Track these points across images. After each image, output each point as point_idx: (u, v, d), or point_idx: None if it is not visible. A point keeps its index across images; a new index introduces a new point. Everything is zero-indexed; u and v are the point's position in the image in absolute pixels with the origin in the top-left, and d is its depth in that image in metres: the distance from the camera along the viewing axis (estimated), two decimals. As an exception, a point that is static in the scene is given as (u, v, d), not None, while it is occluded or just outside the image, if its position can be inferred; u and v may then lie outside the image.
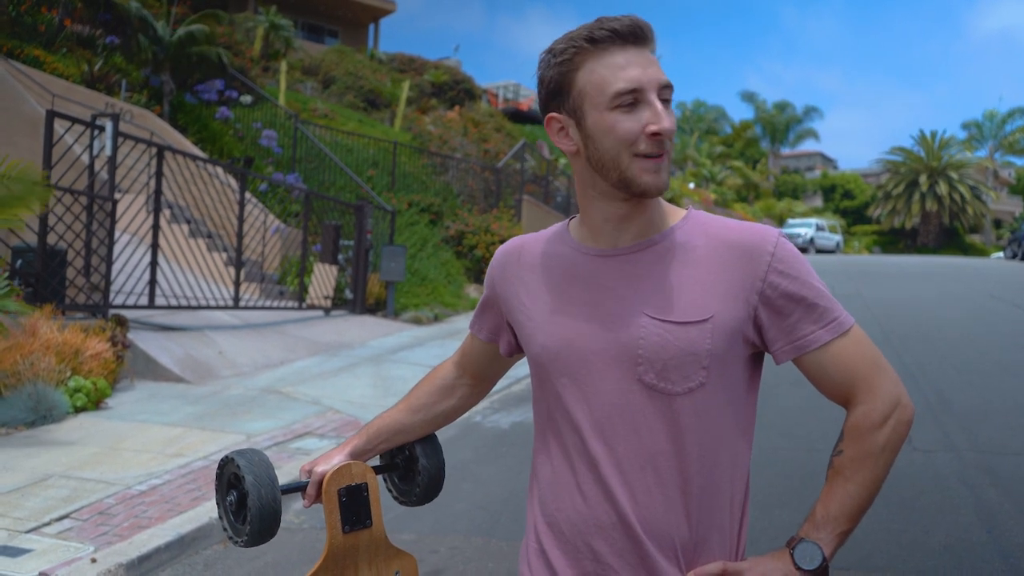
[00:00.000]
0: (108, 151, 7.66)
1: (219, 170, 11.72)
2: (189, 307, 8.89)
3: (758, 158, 58.40)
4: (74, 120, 7.39)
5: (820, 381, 1.34)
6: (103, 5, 16.19)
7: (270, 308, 10.46)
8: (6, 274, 6.49)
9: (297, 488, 1.52)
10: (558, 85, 1.30)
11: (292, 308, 10.96)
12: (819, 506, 1.29)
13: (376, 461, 1.68)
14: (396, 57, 30.15)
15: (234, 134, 15.44)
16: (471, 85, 30.04)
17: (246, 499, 1.41)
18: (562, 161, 23.01)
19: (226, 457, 1.47)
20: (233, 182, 11.89)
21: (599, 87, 1.26)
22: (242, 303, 9.95)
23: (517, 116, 33.13)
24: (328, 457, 1.55)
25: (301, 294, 11.27)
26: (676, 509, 1.30)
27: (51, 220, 7.22)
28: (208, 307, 9.21)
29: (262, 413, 6.69)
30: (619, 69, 1.25)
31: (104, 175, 8.13)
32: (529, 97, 37.88)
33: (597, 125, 1.28)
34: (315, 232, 12.85)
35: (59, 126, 7.89)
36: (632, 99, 1.26)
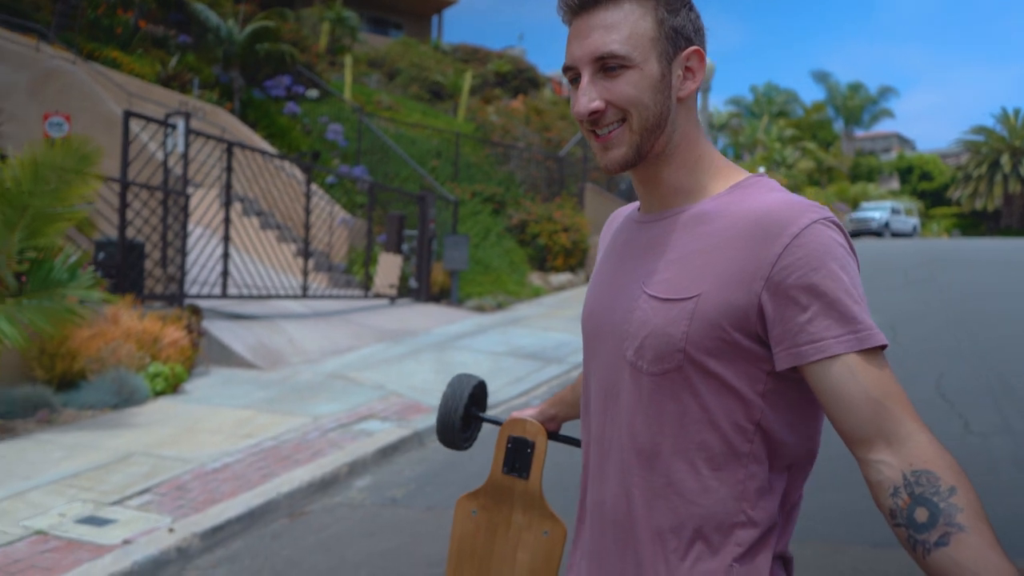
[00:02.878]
0: (180, 148, 8.02)
1: (287, 164, 12.08)
2: (260, 296, 9.24)
3: (831, 140, 57.04)
4: (148, 119, 7.76)
5: (830, 405, 1.10)
6: (175, 5, 16.77)
7: (337, 297, 10.78)
8: (91, 267, 6.88)
9: (494, 421, 1.72)
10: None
11: (358, 297, 11.27)
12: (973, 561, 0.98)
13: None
14: (460, 48, 30.36)
15: (302, 128, 15.86)
16: (534, 74, 30.09)
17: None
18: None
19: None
20: (301, 175, 12.25)
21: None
22: (310, 292, 10.28)
23: (581, 104, 33.03)
24: (527, 410, 1.67)
25: (367, 283, 11.58)
26: (649, 496, 1.21)
27: (129, 215, 7.60)
28: (278, 296, 9.55)
29: (328, 397, 6.96)
30: (568, 44, 1.22)
31: (177, 171, 8.50)
32: (593, 84, 37.76)
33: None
34: (380, 222, 13.15)
35: (135, 125, 8.29)
36: (573, 75, 1.22)
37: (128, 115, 7.70)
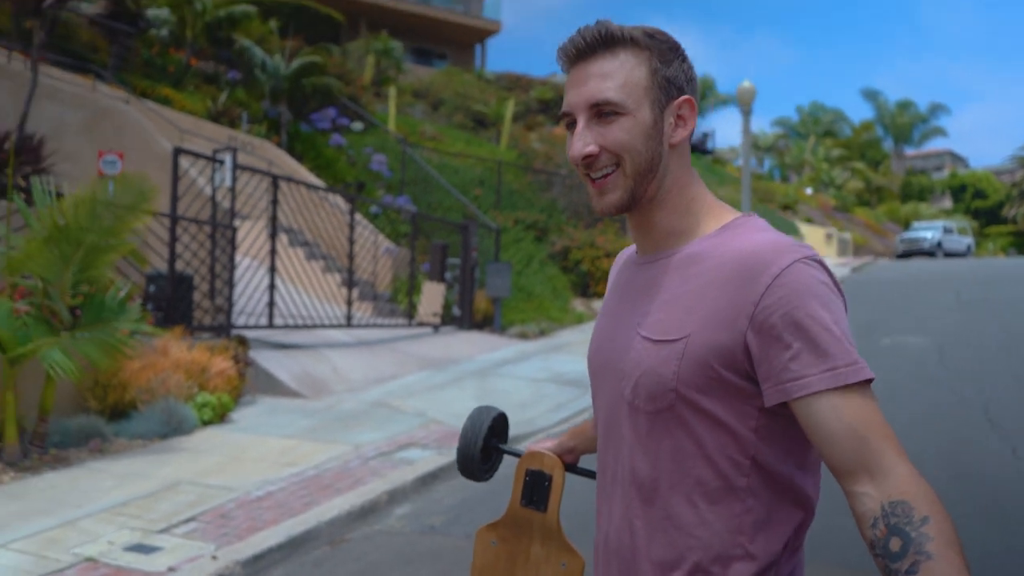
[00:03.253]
0: (228, 183, 8.25)
1: (332, 195, 12.32)
2: (305, 326, 9.42)
3: (880, 159, 56.23)
4: (197, 155, 8.01)
5: (815, 440, 1.13)
6: (225, 43, 17.26)
7: (381, 326, 10.92)
8: (140, 300, 7.09)
9: (514, 453, 1.74)
10: None
11: (402, 325, 11.41)
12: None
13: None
14: (503, 76, 30.72)
15: (347, 160, 16.16)
16: (578, 100, 30.24)
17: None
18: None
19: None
20: (345, 206, 12.47)
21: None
22: (354, 322, 10.44)
23: (624, 128, 33.12)
24: (544, 441, 1.68)
25: (411, 312, 11.72)
26: (649, 530, 1.25)
27: (179, 248, 7.83)
28: (323, 326, 9.72)
29: (371, 425, 7.06)
30: (566, 91, 1.28)
31: (225, 205, 8.74)
32: (636, 109, 37.84)
33: None
34: (424, 251, 13.31)
35: (184, 161, 8.55)
36: (569, 121, 1.27)
37: (177, 152, 7.95)
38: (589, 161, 1.24)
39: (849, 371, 1.11)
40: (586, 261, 15.50)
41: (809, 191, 40.31)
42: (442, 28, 33.02)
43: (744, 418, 1.19)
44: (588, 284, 15.52)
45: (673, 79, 1.27)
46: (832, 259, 29.19)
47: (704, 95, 46.24)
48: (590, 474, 1.68)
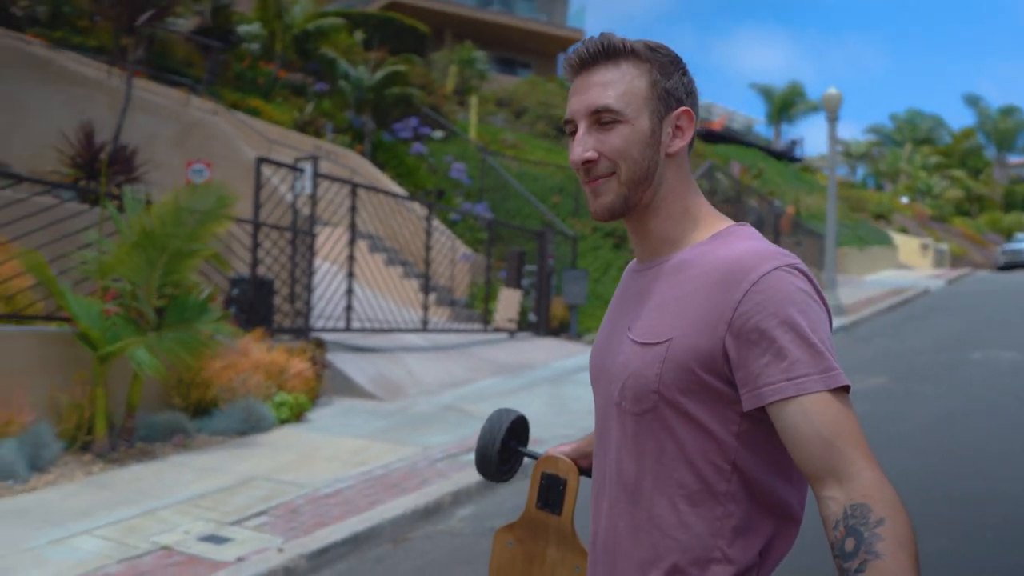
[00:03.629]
0: (308, 190, 8.51)
1: (413, 203, 12.56)
2: (382, 330, 9.62)
3: (981, 167, 54.00)
4: (279, 164, 8.29)
5: (787, 444, 1.14)
6: (313, 55, 17.78)
7: (457, 331, 11.07)
8: (223, 302, 7.38)
9: (531, 455, 1.78)
10: None
11: (478, 331, 11.53)
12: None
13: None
14: (586, 85, 30.71)
15: (428, 168, 16.43)
16: (661, 107, 30.04)
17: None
18: (755, 180, 22.57)
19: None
20: (424, 213, 12.69)
21: None
22: (431, 326, 10.61)
23: (708, 136, 32.78)
24: (560, 445, 1.72)
25: (486, 317, 11.84)
26: (633, 530, 1.28)
27: (260, 253, 8.11)
28: (399, 330, 9.91)
29: (441, 428, 7.17)
30: (569, 98, 1.33)
31: (305, 212, 9.01)
32: (722, 116, 37.37)
33: None
34: (501, 258, 13.43)
35: (267, 170, 8.87)
36: (572, 127, 1.32)
37: (260, 161, 8.25)
38: (588, 166, 1.29)
39: (823, 378, 1.13)
40: (665, 269, 15.37)
41: (904, 200, 39.01)
42: (526, 38, 33.25)
43: (726, 423, 1.21)
44: (667, 292, 15.37)
45: (672, 91, 1.31)
46: (927, 270, 28.21)
47: (793, 101, 45.31)
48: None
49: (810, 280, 1.21)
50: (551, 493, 1.66)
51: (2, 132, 9.67)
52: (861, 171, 49.74)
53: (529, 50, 34.32)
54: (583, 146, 1.28)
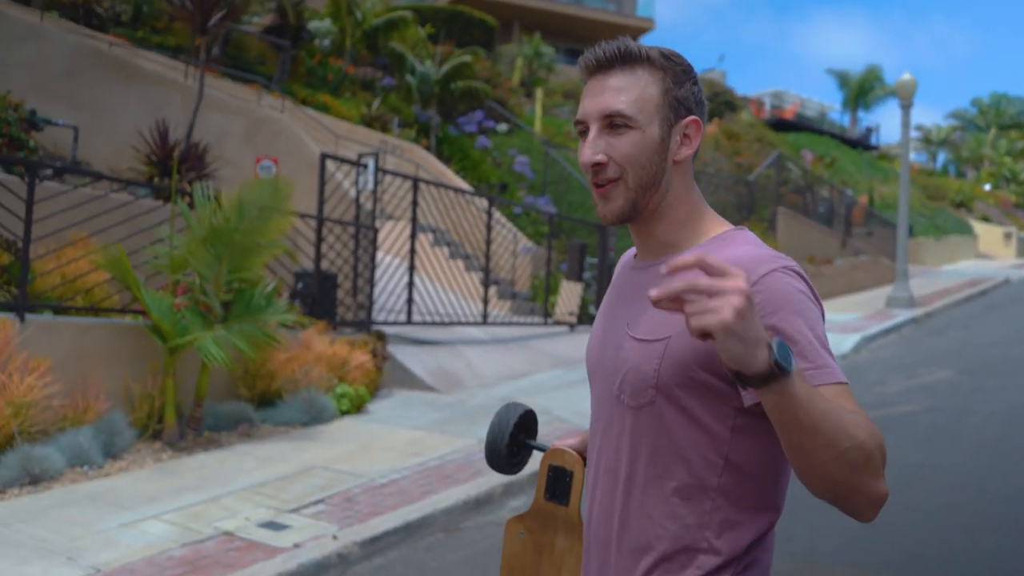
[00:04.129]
0: (370, 186, 8.71)
1: (476, 197, 12.70)
2: (442, 323, 9.78)
3: (1072, 153, 51.67)
4: (342, 160, 8.50)
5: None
6: (381, 50, 18.06)
7: (516, 324, 11.18)
8: (288, 295, 7.62)
9: (539, 447, 1.82)
10: None
11: (538, 324, 11.62)
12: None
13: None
14: (655, 75, 30.43)
15: (492, 161, 16.55)
16: (731, 97, 29.64)
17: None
18: (825, 170, 22.10)
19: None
20: (485, 206, 12.83)
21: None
22: (491, 319, 10.73)
23: (780, 125, 32.15)
24: (567, 438, 1.75)
25: (547, 310, 11.92)
26: (624, 520, 1.34)
27: (324, 248, 8.34)
28: (459, 323, 10.06)
29: (496, 420, 7.28)
30: (582, 100, 1.36)
31: (368, 206, 9.21)
32: (794, 103, 36.60)
33: None
34: (562, 251, 13.48)
35: (331, 166, 9.09)
36: (583, 128, 1.35)
37: (324, 157, 8.47)
38: (597, 169, 1.32)
39: (818, 373, 1.18)
40: (730, 261, 15.21)
41: (987, 187, 37.61)
42: (595, 28, 33.09)
43: (722, 417, 1.26)
44: (731, 285, 15.21)
45: (683, 100, 1.34)
46: (1009, 260, 27.22)
47: (870, 87, 44.05)
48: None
49: (805, 281, 1.28)
50: (558, 485, 1.71)
51: (84, 131, 10.12)
52: (942, 157, 48.10)
53: (596, 41, 34.03)
54: (594, 149, 1.32)
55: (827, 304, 15.93)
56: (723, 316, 1.00)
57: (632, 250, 1.56)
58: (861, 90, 42.86)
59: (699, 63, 62.58)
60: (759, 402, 1.18)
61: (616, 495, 1.37)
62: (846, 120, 41.31)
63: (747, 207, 17.77)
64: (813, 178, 20.95)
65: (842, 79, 42.74)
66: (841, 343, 11.58)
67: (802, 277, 1.27)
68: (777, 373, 1.04)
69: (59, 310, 6.23)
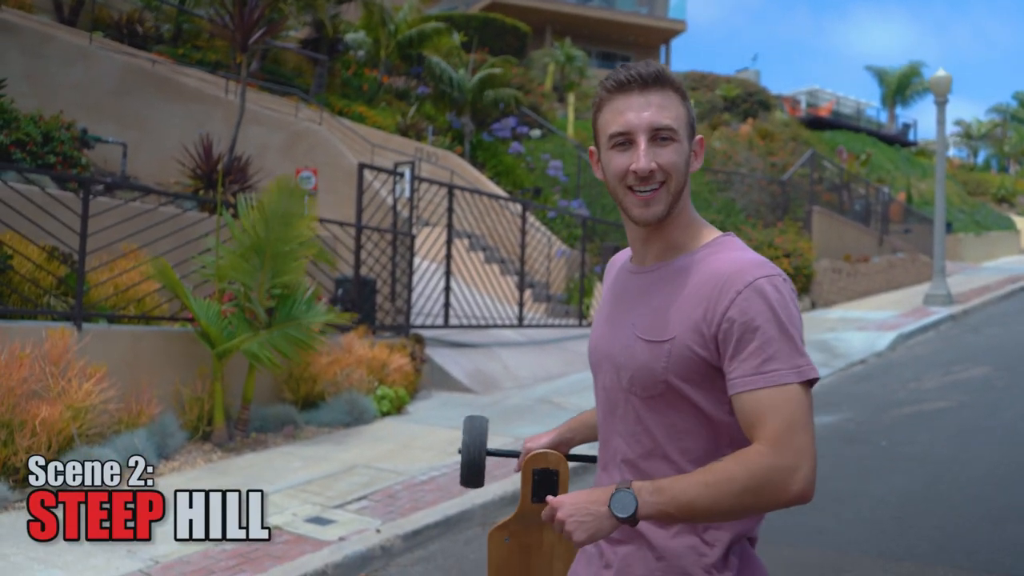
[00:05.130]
0: (407, 193, 8.95)
1: (509, 202, 12.91)
2: (479, 326, 9.99)
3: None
4: (379, 169, 8.76)
5: (741, 424, 1.42)
6: (416, 60, 18.36)
7: (552, 326, 11.35)
8: (327, 301, 7.87)
9: (511, 454, 1.91)
10: (593, 124, 1.57)
11: (573, 326, 11.78)
12: (672, 478, 1.41)
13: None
14: (687, 75, 30.42)
15: (525, 166, 16.75)
16: (765, 96, 29.52)
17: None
18: (861, 168, 21.95)
19: (464, 418, 1.91)
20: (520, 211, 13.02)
21: (604, 128, 1.51)
22: (526, 322, 10.92)
23: (816, 123, 31.94)
24: (539, 437, 1.86)
25: (581, 312, 12.08)
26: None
27: (363, 255, 8.60)
28: (495, 326, 10.26)
29: (532, 419, 7.47)
30: (618, 114, 1.48)
31: (404, 214, 9.46)
32: (830, 101, 36.32)
33: (604, 160, 1.54)
34: (596, 253, 13.63)
35: (368, 174, 9.35)
36: (624, 139, 1.48)
37: (362, 166, 8.73)
38: (648, 176, 1.48)
39: (786, 374, 1.39)
40: (765, 261, 15.23)
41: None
42: (627, 31, 33.21)
43: (720, 403, 1.48)
44: (767, 285, 15.22)
45: (693, 120, 1.56)
46: (1053, 256, 26.77)
47: (909, 83, 43.54)
48: (588, 459, 1.86)
49: (787, 286, 1.46)
50: (545, 486, 1.77)
51: (132, 147, 10.51)
52: (984, 152, 47.33)
53: (630, 43, 34.23)
54: (648, 158, 1.47)
55: (864, 302, 15.92)
56: (576, 537, 1.40)
57: (624, 254, 1.74)
58: (900, 86, 42.39)
59: (733, 63, 61.93)
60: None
61: (626, 472, 1.56)
62: (883, 117, 40.88)
63: (781, 206, 17.76)
64: (849, 176, 20.84)
65: (880, 76, 42.31)
66: (876, 341, 11.59)
67: (785, 283, 1.46)
68: (629, 520, 1.37)
69: (113, 319, 6.54)
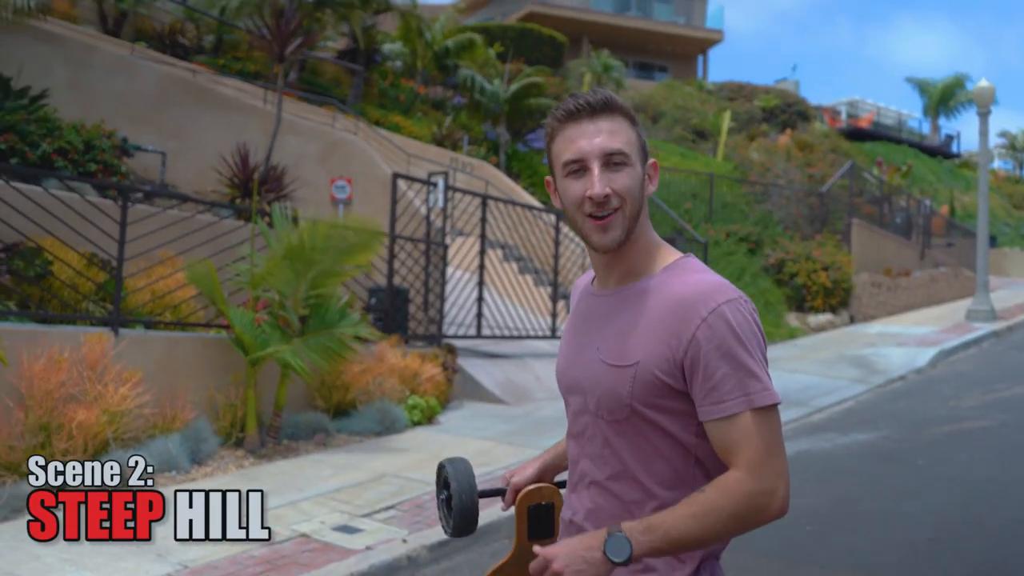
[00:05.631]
0: (440, 204, 8.99)
1: (545, 213, 12.89)
2: (511, 336, 9.98)
3: None
4: (413, 179, 8.80)
5: (716, 448, 1.43)
6: (451, 70, 18.48)
7: (585, 337, 11.29)
8: (360, 310, 7.91)
9: (496, 493, 1.83)
10: (548, 154, 1.57)
11: (607, 337, 11.71)
12: (658, 515, 1.40)
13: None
14: (725, 86, 30.29)
15: (561, 176, 16.74)
16: (804, 107, 29.29)
17: (451, 500, 1.74)
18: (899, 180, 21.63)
19: (440, 463, 1.80)
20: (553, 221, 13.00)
21: (558, 157, 1.52)
22: (559, 333, 10.87)
23: (856, 134, 31.57)
24: (523, 469, 1.82)
25: (615, 324, 12.01)
26: (606, 514, 1.52)
27: (396, 264, 8.64)
28: (527, 336, 10.25)
29: (563, 432, 7.40)
30: (570, 142, 1.49)
31: (438, 224, 9.49)
32: (871, 112, 35.88)
33: (560, 188, 1.53)
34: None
35: (402, 184, 9.41)
36: (578, 167, 1.48)
37: (396, 176, 8.78)
38: (604, 201, 1.48)
39: (756, 397, 1.39)
40: (802, 274, 15.06)
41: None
42: (663, 41, 33.11)
43: (686, 427, 1.47)
44: (804, 298, 15.06)
45: (645, 144, 1.56)
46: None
47: (953, 93, 42.89)
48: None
49: (750, 310, 1.46)
50: (541, 521, 1.73)
51: (171, 156, 10.69)
52: (1030, 165, 46.41)
53: (667, 53, 34.12)
54: (603, 183, 1.47)
55: (904, 317, 15.66)
56: None
57: (588, 277, 1.73)
58: (943, 97, 41.75)
59: (772, 73, 61.54)
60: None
61: (598, 496, 1.55)
62: (926, 128, 40.27)
63: (819, 219, 17.55)
64: (890, 188, 20.54)
65: (921, 87, 41.70)
66: (916, 357, 11.38)
67: (748, 308, 1.46)
68: (624, 563, 1.37)
69: (150, 324, 6.64)
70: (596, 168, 1.47)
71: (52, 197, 6.56)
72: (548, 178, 1.60)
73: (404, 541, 4.77)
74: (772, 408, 1.41)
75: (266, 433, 6.68)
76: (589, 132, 1.48)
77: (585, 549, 1.38)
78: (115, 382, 5.69)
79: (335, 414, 7.45)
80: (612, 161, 1.48)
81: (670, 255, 1.57)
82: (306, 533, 4.87)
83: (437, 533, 4.90)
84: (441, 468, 1.79)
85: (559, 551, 1.40)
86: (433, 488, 5.61)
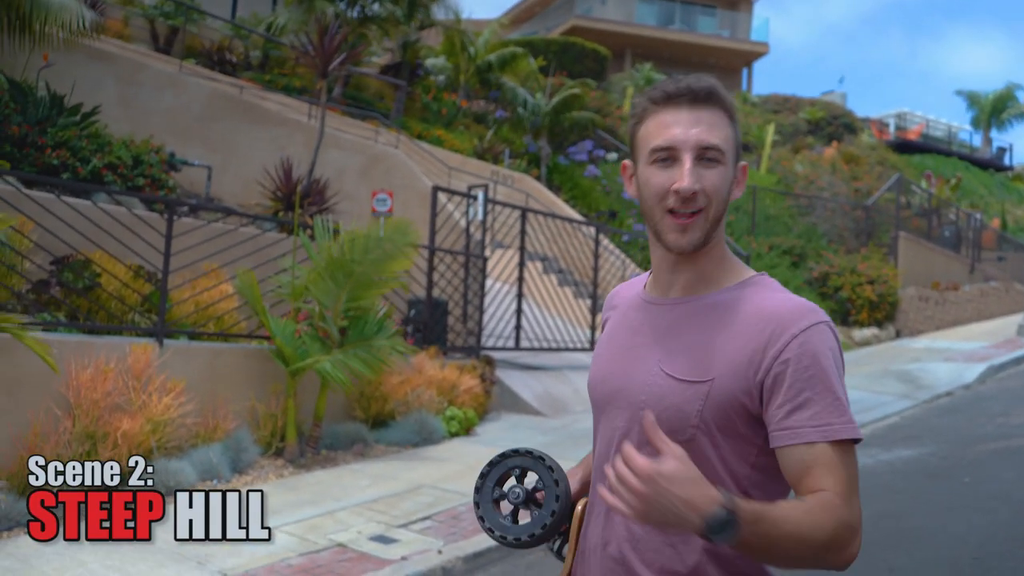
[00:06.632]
0: (480, 216, 9.04)
1: (586, 225, 12.90)
2: (549, 349, 9.99)
3: None
4: (453, 192, 8.87)
5: (793, 482, 1.30)
6: (494, 84, 18.59)
7: (625, 350, 11.25)
8: (399, 322, 7.98)
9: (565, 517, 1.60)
10: (630, 136, 1.43)
11: (647, 350, 11.65)
12: (765, 507, 1.23)
13: None
14: (770, 98, 30.04)
15: (601, 189, 16.74)
16: (851, 119, 28.91)
17: (536, 496, 1.55)
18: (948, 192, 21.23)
19: (539, 454, 1.57)
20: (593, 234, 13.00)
21: (645, 141, 1.38)
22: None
23: (904, 147, 31.05)
24: (573, 473, 1.65)
25: (655, 337, 11.95)
26: (645, 540, 1.38)
27: (435, 276, 8.70)
28: (565, 349, 10.24)
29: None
30: (664, 127, 1.35)
31: (477, 236, 9.54)
32: (920, 124, 35.29)
33: (641, 176, 1.40)
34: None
35: (442, 197, 9.48)
36: (666, 155, 1.35)
37: (436, 189, 8.86)
38: (690, 198, 1.35)
39: (841, 429, 1.28)
40: (847, 288, 14.85)
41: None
42: (707, 54, 32.92)
43: (745, 454, 1.35)
44: (849, 312, 14.84)
45: (740, 144, 1.44)
46: None
47: (1005, 105, 42.04)
48: None
49: (835, 335, 1.36)
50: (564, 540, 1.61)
51: (217, 170, 10.90)
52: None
53: (711, 66, 33.90)
54: (693, 177, 1.34)
55: (953, 332, 15.34)
56: (637, 516, 1.18)
57: (631, 286, 1.60)
58: (995, 109, 40.94)
59: (819, 86, 60.93)
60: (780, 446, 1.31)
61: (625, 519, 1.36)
62: (977, 140, 39.50)
63: (865, 232, 17.31)
64: (938, 201, 20.17)
65: (971, 99, 40.93)
66: (964, 372, 11.15)
67: (834, 332, 1.36)
68: (714, 541, 1.18)
69: (193, 335, 6.77)
70: (688, 160, 1.34)
71: (101, 211, 6.74)
72: (626, 162, 1.47)
73: (439, 552, 4.79)
74: (854, 444, 1.30)
75: (305, 443, 6.76)
76: (686, 121, 1.36)
77: (686, 502, 1.16)
78: (159, 392, 5.80)
79: (373, 425, 7.52)
80: (706, 156, 1.35)
81: (744, 270, 1.45)
82: (343, 543, 4.91)
83: (473, 544, 4.92)
84: (521, 455, 1.60)
85: (666, 470, 1.16)
86: (469, 500, 5.64)
